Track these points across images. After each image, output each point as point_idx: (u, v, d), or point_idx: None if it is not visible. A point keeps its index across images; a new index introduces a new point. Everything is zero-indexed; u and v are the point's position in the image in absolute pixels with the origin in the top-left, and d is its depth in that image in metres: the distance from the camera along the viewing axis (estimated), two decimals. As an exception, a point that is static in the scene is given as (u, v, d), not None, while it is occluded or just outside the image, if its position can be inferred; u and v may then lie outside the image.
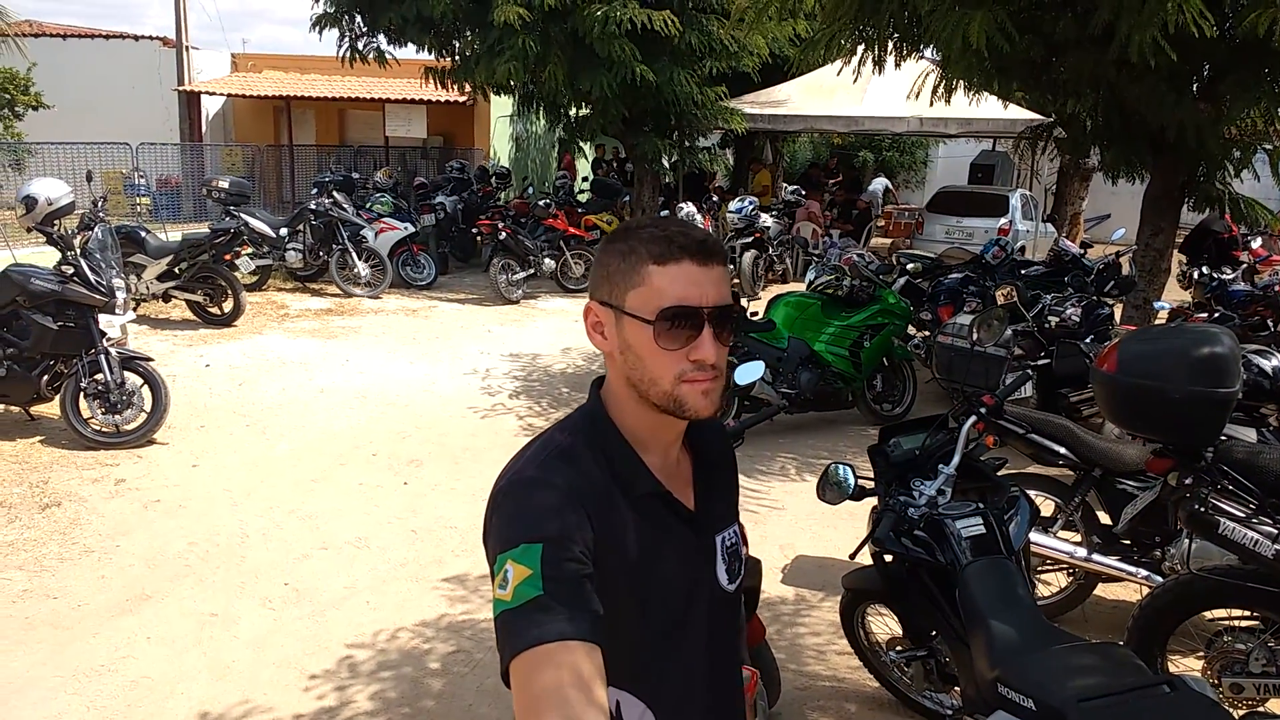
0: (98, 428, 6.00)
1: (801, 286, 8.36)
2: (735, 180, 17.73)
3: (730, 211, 11.76)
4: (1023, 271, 8.08)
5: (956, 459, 2.86)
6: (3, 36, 14.00)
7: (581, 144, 14.83)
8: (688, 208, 11.84)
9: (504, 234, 11.03)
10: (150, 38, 19.92)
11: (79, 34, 20.24)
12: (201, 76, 19.38)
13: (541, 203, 12.08)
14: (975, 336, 5.09)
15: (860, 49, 6.89)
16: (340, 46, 12.12)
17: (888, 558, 2.90)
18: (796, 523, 5.18)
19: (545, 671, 1.05)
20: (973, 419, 2.94)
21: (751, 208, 11.56)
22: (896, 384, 6.93)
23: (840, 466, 2.87)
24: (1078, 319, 6.05)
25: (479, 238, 12.05)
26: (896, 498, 2.78)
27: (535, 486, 1.19)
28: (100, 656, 3.70)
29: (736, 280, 11.50)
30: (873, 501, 3.01)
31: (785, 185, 16.57)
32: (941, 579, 2.62)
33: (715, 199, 13.49)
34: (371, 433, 6.42)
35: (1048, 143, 8.18)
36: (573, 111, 12.89)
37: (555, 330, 9.93)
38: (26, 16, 22.63)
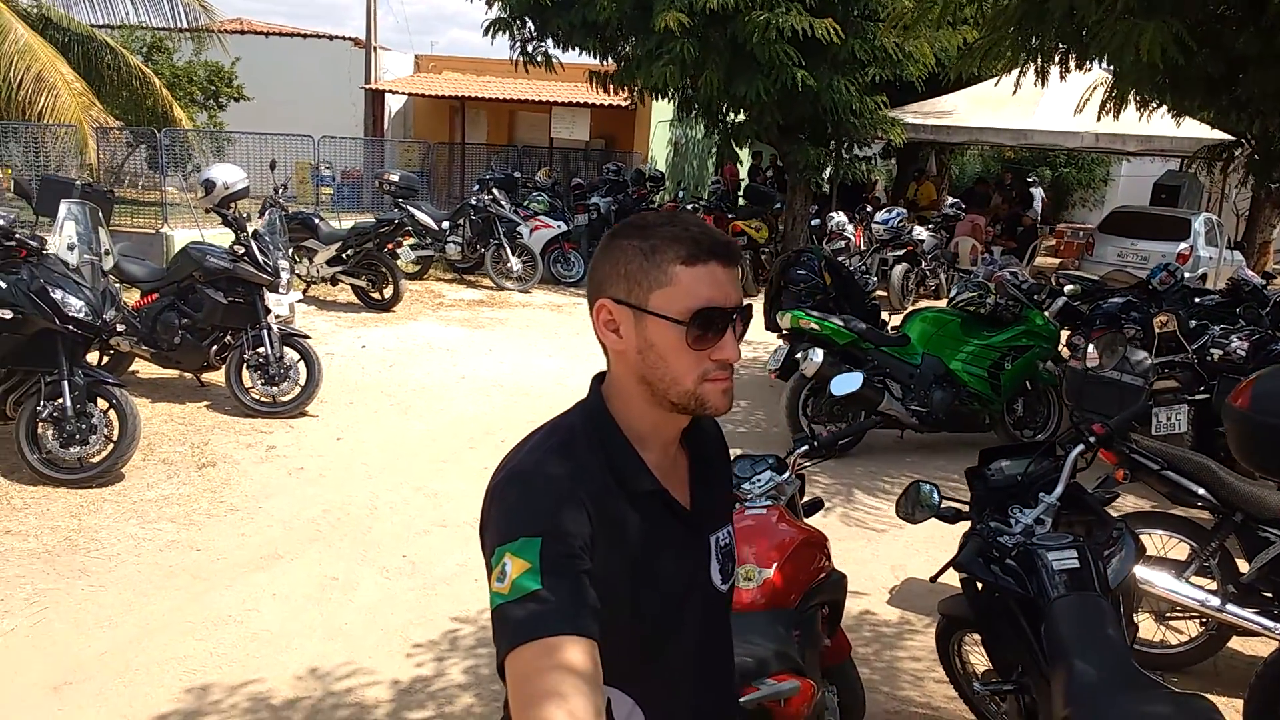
0: (257, 397, 6.47)
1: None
2: (896, 192, 17.29)
3: (876, 222, 11.49)
4: (1195, 300, 7.52)
5: (1060, 488, 2.71)
6: (209, 32, 15.24)
7: (738, 150, 14.82)
8: (838, 217, 11.65)
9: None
10: (343, 38, 21.24)
11: (280, 32, 21.81)
12: (387, 76, 20.51)
13: (689, 207, 12.17)
14: (1098, 361, 4.79)
15: (1022, 59, 6.62)
16: (512, 50, 12.61)
17: (979, 585, 2.78)
18: (912, 545, 5.02)
19: (542, 666, 1.06)
20: (1080, 447, 2.78)
21: (899, 219, 11.26)
22: (1040, 410, 6.60)
23: (928, 485, 2.78)
24: (1244, 353, 5.60)
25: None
26: (987, 523, 2.66)
27: (535, 480, 1.20)
28: (229, 607, 4.01)
29: (885, 293, 11.24)
30: (967, 525, 2.90)
31: (948, 199, 16.03)
32: (1030, 611, 2.50)
33: (870, 209, 13.21)
34: (503, 420, 6.65)
35: (1231, 164, 7.60)
36: (730, 117, 12.92)
37: (693, 333, 9.95)
38: (238, 14, 24.61)
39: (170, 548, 4.54)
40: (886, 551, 4.95)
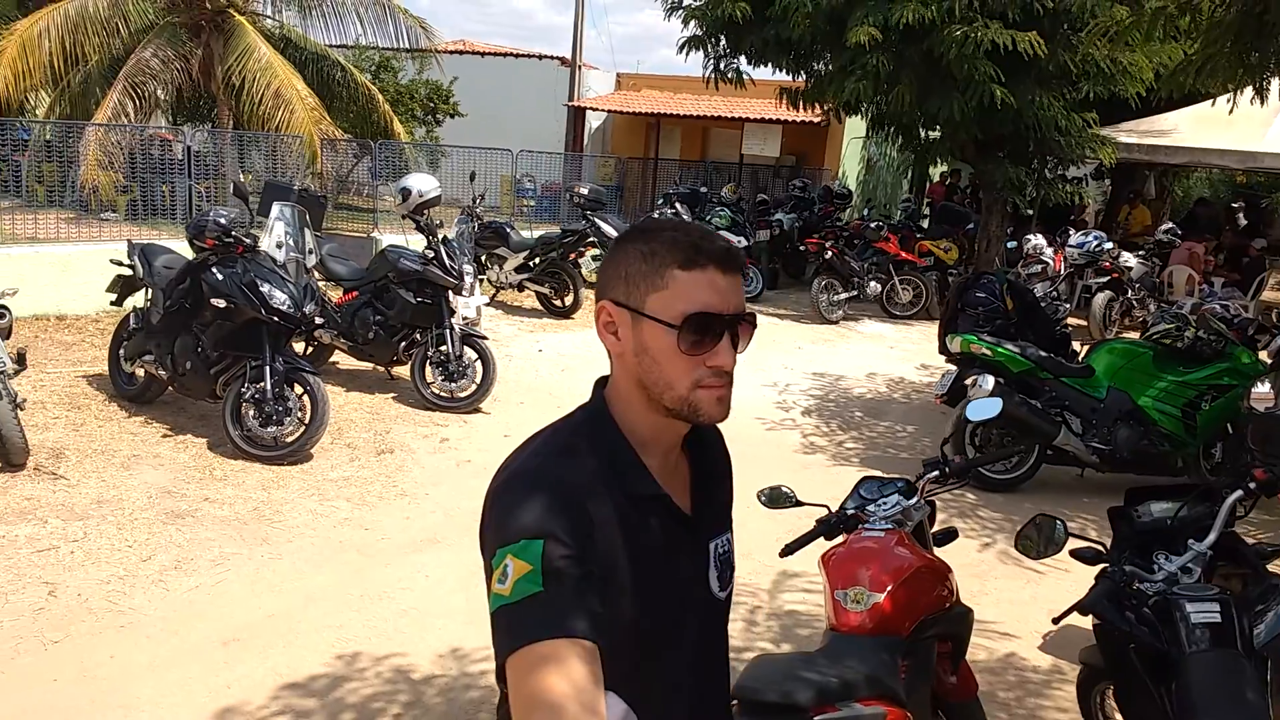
0: (436, 392, 6.88)
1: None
2: (1108, 216, 16.19)
3: (1070, 245, 10.81)
4: None
5: (1212, 536, 2.49)
6: (429, 53, 16.33)
7: (934, 168, 14.38)
8: (1035, 239, 11.05)
9: (829, 253, 11.01)
10: (552, 57, 22.21)
11: (495, 52, 23.09)
12: (589, 94, 21.28)
13: (873, 225, 11.89)
14: (1273, 401, 4.30)
15: (1240, 75, 6.10)
16: (705, 68, 12.78)
17: (1115, 632, 2.60)
18: (1077, 588, 4.64)
19: (543, 669, 1.07)
20: (1238, 493, 2.54)
21: (1096, 243, 10.54)
22: (1241, 455, 6.01)
23: (1060, 520, 2.62)
24: None
25: (808, 256, 12.14)
26: (1121, 566, 2.49)
27: (536, 482, 1.21)
28: (385, 585, 4.29)
29: (1084, 322, 10.57)
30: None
31: (1167, 224, 14.86)
32: (1162, 665, 2.32)
33: (1072, 232, 12.45)
34: (662, 429, 6.75)
35: None
36: (925, 134, 12.54)
37: (866, 354, 9.76)
38: (462, 36, 26.22)
39: (343, 525, 4.91)
40: (1047, 594, 4.67)
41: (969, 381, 5.89)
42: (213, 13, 14.00)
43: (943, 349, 6.78)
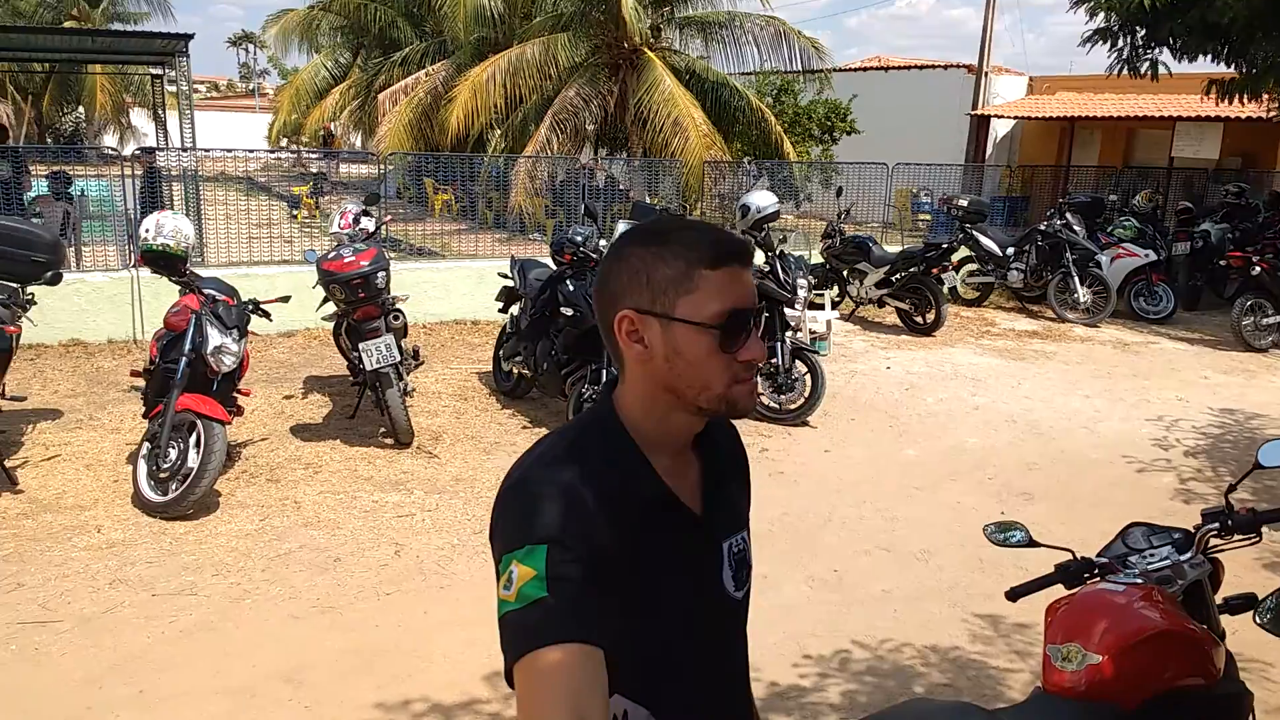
0: (765, 402, 6.96)
1: None
2: None
3: None
4: None
5: None
6: (818, 73, 16.53)
7: None
8: None
9: (1258, 269, 9.33)
10: (958, 66, 21.34)
11: (900, 66, 22.74)
12: (997, 100, 20.11)
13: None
14: None
15: None
16: (1109, 59, 11.54)
17: None
18: None
19: (549, 674, 1.08)
20: None
21: None
22: None
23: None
24: None
25: (1231, 272, 10.38)
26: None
27: (542, 487, 1.21)
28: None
29: None
30: None
31: None
32: None
33: None
34: (1000, 457, 6.24)
35: None
36: None
37: (1301, 391, 8.15)
38: (879, 52, 26.23)
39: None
40: None
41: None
42: (629, 51, 15.41)
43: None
